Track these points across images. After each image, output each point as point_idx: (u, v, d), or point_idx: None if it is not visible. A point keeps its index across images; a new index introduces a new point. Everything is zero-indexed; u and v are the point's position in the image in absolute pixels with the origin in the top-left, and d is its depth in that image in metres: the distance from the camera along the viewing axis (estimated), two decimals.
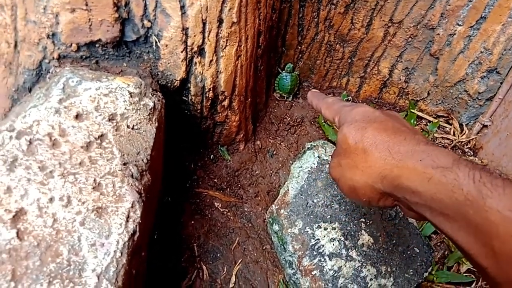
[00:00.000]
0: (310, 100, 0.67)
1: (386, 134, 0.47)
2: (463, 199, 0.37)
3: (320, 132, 1.08)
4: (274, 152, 1.03)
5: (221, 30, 0.74)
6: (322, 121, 1.08)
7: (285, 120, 1.09)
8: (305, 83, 1.14)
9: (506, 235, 0.34)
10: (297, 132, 1.08)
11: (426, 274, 0.82)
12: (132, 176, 0.58)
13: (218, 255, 0.85)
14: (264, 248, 0.89)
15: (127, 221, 0.53)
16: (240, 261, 0.85)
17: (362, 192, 0.49)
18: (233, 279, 0.82)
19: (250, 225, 0.91)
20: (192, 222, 0.87)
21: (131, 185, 0.56)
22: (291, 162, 1.02)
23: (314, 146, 0.90)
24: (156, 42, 0.71)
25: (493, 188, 0.35)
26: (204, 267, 0.82)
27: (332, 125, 1.08)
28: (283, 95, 1.09)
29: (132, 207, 0.54)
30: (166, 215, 0.84)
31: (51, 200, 0.51)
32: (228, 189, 0.95)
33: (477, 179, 0.37)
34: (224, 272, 0.83)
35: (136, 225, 0.53)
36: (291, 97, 1.10)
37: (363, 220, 0.83)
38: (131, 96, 0.62)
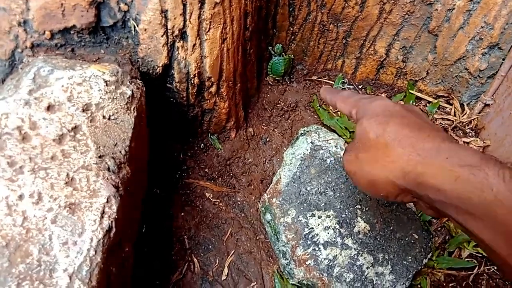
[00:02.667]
0: (324, 96, 0.64)
1: (409, 129, 0.47)
2: (492, 199, 0.36)
3: (315, 117, 1.04)
4: (267, 139, 0.99)
5: (203, 11, 0.70)
6: (317, 105, 1.04)
7: (278, 105, 1.05)
8: (298, 66, 1.10)
9: None
10: (291, 117, 1.04)
11: (425, 261, 0.79)
12: (108, 169, 0.55)
13: (210, 246, 0.82)
14: (257, 238, 0.86)
15: (101, 217, 0.50)
16: (232, 252, 0.82)
17: (382, 186, 0.48)
18: (225, 270, 0.80)
19: (243, 215, 0.89)
20: (182, 213, 0.84)
21: (107, 178, 0.53)
22: (285, 149, 0.99)
23: (307, 131, 0.86)
24: (134, 27, 0.68)
25: None
26: (195, 259, 0.80)
27: (328, 109, 1.04)
28: (276, 78, 1.05)
29: (107, 202, 0.51)
30: (155, 208, 0.82)
31: (20, 197, 0.49)
32: (219, 178, 0.92)
33: (507, 179, 0.36)
34: (216, 264, 0.81)
35: (112, 221, 0.51)
36: (284, 79, 1.06)
37: (359, 206, 0.80)
38: (106, 85, 0.59)
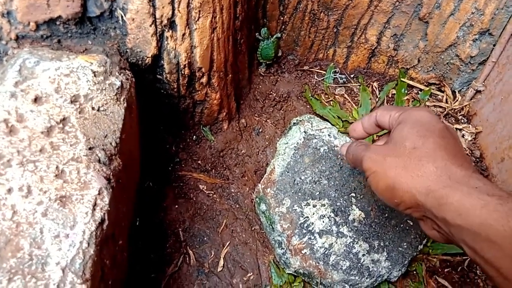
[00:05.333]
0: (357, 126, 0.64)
1: (446, 152, 0.48)
2: None
3: (308, 106, 1.04)
4: (260, 130, 0.99)
5: (192, 0, 0.69)
6: (309, 95, 1.04)
7: (270, 96, 1.04)
8: (290, 56, 1.09)
9: None
10: (283, 108, 1.04)
11: (420, 247, 0.80)
12: (99, 161, 0.54)
13: (205, 238, 0.82)
14: (253, 229, 0.86)
15: (93, 209, 0.49)
16: (228, 243, 0.82)
17: (400, 194, 0.48)
18: (221, 262, 0.80)
19: (237, 206, 0.88)
20: (176, 206, 0.83)
21: (98, 170, 0.52)
22: (278, 139, 0.98)
23: (300, 121, 0.86)
24: (122, 16, 0.66)
25: None
26: (190, 251, 0.79)
27: (320, 99, 1.04)
28: (267, 62, 1.04)
29: (99, 194, 0.50)
30: (148, 201, 0.81)
31: (9, 191, 0.48)
32: (213, 170, 0.91)
33: None
34: (212, 255, 0.80)
35: (104, 213, 0.50)
36: (277, 70, 1.06)
37: (354, 195, 0.80)
38: (95, 76, 0.58)
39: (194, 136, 0.91)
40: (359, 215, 0.79)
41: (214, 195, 0.88)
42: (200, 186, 0.88)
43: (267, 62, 1.04)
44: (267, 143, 0.98)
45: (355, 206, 0.79)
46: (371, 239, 0.78)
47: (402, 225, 0.79)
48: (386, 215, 0.80)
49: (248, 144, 0.97)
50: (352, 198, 0.80)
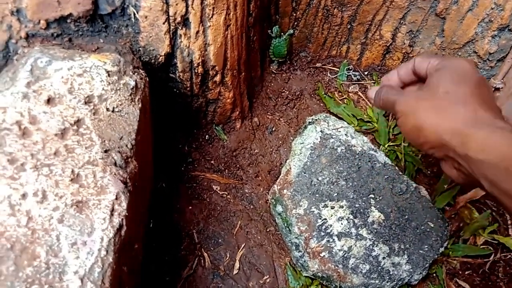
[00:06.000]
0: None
1: (477, 99, 0.50)
2: None
3: (321, 105, 1.01)
4: (273, 129, 0.97)
5: None
6: (323, 93, 1.01)
7: (283, 94, 1.02)
8: (302, 53, 1.07)
9: None
10: (296, 106, 1.01)
11: (442, 249, 0.77)
12: (115, 164, 0.52)
13: (220, 240, 0.80)
14: (268, 230, 0.84)
15: (111, 214, 0.47)
16: (243, 245, 0.80)
17: (425, 134, 0.51)
18: (237, 264, 0.78)
19: (251, 207, 0.86)
20: (190, 207, 0.81)
21: (114, 174, 0.50)
22: (291, 138, 0.96)
23: (316, 120, 0.83)
24: (134, 14, 0.64)
25: None
26: (205, 254, 0.78)
27: (334, 97, 1.02)
28: (279, 60, 1.02)
29: (116, 198, 0.48)
30: (161, 202, 0.79)
31: (23, 196, 0.46)
32: (226, 170, 0.89)
33: None
34: (227, 258, 0.78)
35: (122, 219, 0.48)
36: (289, 68, 1.03)
37: (372, 196, 0.78)
38: (108, 75, 0.56)
39: (207, 136, 0.89)
40: (379, 217, 0.77)
41: (228, 196, 0.86)
42: (213, 186, 0.86)
43: (279, 60, 1.02)
44: (280, 142, 0.96)
45: (374, 208, 0.77)
46: (391, 242, 0.76)
47: (422, 227, 0.77)
48: (406, 216, 0.78)
49: (261, 144, 0.95)
50: (371, 200, 0.77)
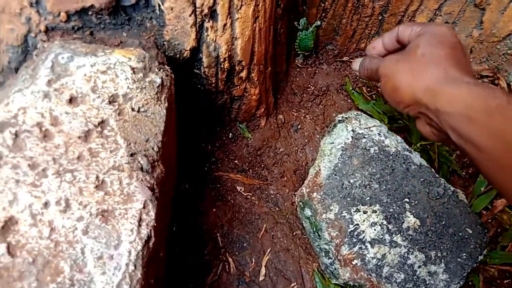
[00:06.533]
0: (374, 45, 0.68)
1: (450, 60, 0.53)
2: (494, 106, 0.45)
3: (349, 101, 0.96)
4: (298, 126, 0.92)
5: None
6: (351, 88, 0.96)
7: (308, 89, 0.97)
8: (329, 46, 1.01)
9: None
10: (322, 102, 0.97)
11: (481, 258, 0.73)
12: (141, 169, 0.48)
13: (245, 244, 0.76)
14: (294, 234, 0.80)
15: (139, 225, 0.44)
16: (269, 250, 0.76)
17: (401, 93, 0.56)
18: (263, 270, 0.74)
19: (277, 209, 0.82)
20: (214, 209, 0.78)
21: (141, 180, 0.47)
22: (318, 136, 0.91)
23: (346, 118, 0.79)
24: (159, 5, 0.60)
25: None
26: (230, 259, 0.74)
27: (362, 92, 0.96)
28: (305, 53, 0.97)
29: (144, 207, 0.45)
30: (184, 204, 0.75)
31: (46, 205, 0.42)
32: (250, 170, 0.85)
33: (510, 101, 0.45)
34: (253, 263, 0.75)
35: (150, 229, 0.44)
36: (314, 62, 0.98)
37: (407, 200, 0.73)
38: (134, 72, 0.52)
39: (230, 134, 0.85)
40: (414, 222, 0.72)
41: (253, 197, 0.82)
42: (237, 187, 0.82)
43: (305, 53, 0.97)
44: (306, 140, 0.91)
45: (409, 213, 0.72)
46: (428, 249, 0.71)
47: (460, 234, 0.72)
48: (443, 222, 0.73)
49: (286, 142, 0.90)
50: (406, 204, 0.73)
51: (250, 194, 0.82)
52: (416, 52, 0.56)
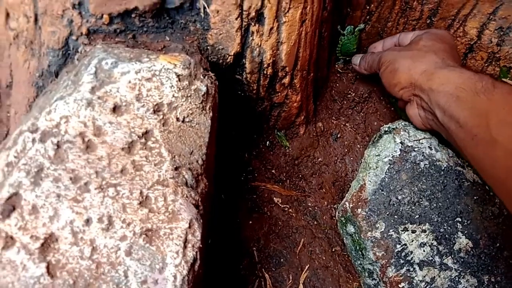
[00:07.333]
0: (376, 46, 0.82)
1: (448, 53, 0.63)
2: (479, 90, 0.53)
3: (392, 109, 0.91)
4: (338, 135, 0.88)
5: None
6: (393, 99, 0.91)
7: (349, 96, 0.93)
8: None
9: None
10: (363, 110, 0.92)
11: None
12: (186, 184, 0.45)
13: (282, 260, 0.73)
14: (333, 250, 0.76)
15: (184, 247, 0.41)
16: (307, 267, 0.73)
17: (399, 75, 0.63)
18: None
19: (315, 222, 0.78)
20: (250, 222, 0.74)
21: (186, 196, 0.43)
22: (358, 146, 0.87)
23: (394, 129, 0.74)
24: (204, 8, 0.57)
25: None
26: (266, 275, 0.71)
27: None
28: (346, 58, 0.92)
29: (189, 227, 0.42)
30: (220, 216, 0.72)
31: (87, 222, 0.40)
32: (288, 180, 0.81)
33: (489, 86, 0.52)
34: (290, 280, 0.71)
35: (196, 252, 0.41)
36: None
37: (459, 219, 0.68)
38: (179, 80, 0.49)
39: (268, 142, 0.82)
40: (466, 244, 0.67)
41: (290, 210, 0.78)
42: (274, 198, 0.78)
43: (346, 58, 0.92)
44: (346, 150, 0.87)
45: (461, 233, 0.67)
46: (480, 273, 0.66)
47: None
48: (498, 244, 0.67)
49: (325, 151, 0.86)
50: (458, 224, 0.68)
51: (287, 206, 0.78)
52: (418, 43, 0.65)
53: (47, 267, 0.37)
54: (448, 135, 0.58)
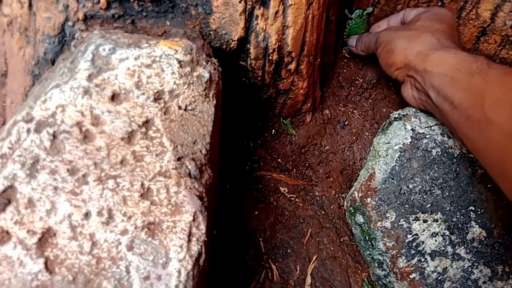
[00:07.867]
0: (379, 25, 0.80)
1: (445, 34, 0.62)
2: (473, 70, 0.51)
3: (401, 95, 0.88)
4: (345, 122, 0.85)
5: None
6: None
7: (356, 82, 0.90)
8: None
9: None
10: (372, 96, 0.89)
11: None
12: (189, 175, 0.43)
13: (289, 250, 0.71)
14: (341, 240, 0.74)
15: (189, 240, 0.39)
16: (315, 257, 0.71)
17: (395, 56, 0.62)
18: (308, 279, 0.69)
19: (323, 212, 0.76)
20: (256, 212, 0.73)
21: (190, 188, 0.42)
22: (367, 133, 0.84)
23: (404, 115, 0.71)
24: None
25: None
26: (273, 266, 0.69)
27: None
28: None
29: (193, 220, 0.40)
30: (225, 206, 0.71)
31: (86, 215, 0.38)
32: (294, 169, 0.79)
33: (484, 67, 0.51)
34: (297, 271, 0.69)
35: (201, 246, 0.39)
36: None
37: (473, 208, 0.66)
38: (180, 66, 0.47)
39: (273, 130, 0.80)
40: (480, 233, 0.65)
41: (297, 199, 0.76)
42: (280, 188, 0.76)
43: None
44: (354, 138, 0.85)
45: (475, 223, 0.65)
46: (494, 264, 0.64)
47: None
48: None
49: (332, 139, 0.84)
50: (471, 213, 0.65)
51: (294, 195, 0.76)
52: (416, 23, 0.64)
53: (45, 263, 0.36)
54: (442, 117, 0.58)
